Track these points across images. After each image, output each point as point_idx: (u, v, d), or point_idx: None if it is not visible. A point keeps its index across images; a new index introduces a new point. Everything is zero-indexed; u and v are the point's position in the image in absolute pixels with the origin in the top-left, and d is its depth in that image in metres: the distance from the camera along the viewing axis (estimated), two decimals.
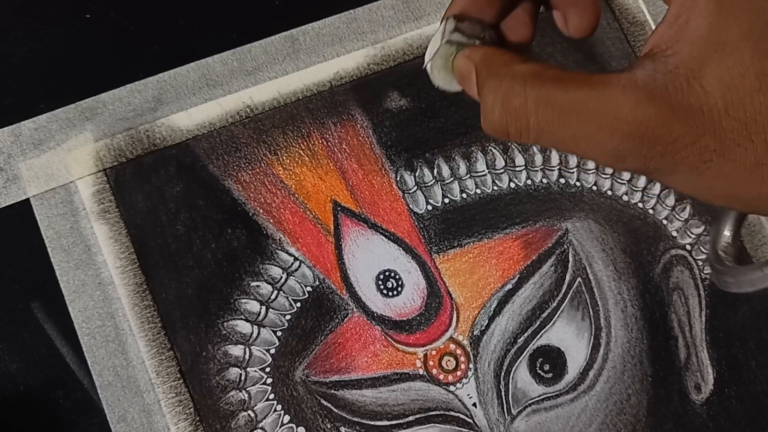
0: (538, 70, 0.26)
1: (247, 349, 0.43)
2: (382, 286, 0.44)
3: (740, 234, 0.41)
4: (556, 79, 0.26)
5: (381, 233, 0.45)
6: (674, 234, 0.48)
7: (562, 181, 0.47)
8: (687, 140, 0.24)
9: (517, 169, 0.47)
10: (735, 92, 0.23)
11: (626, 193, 0.48)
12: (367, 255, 0.45)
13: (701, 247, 0.48)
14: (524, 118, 0.26)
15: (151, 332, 0.42)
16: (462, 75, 0.30)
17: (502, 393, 0.44)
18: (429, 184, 0.46)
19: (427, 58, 0.32)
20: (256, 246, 0.44)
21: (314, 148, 0.46)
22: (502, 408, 0.44)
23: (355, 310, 0.44)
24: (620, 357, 0.45)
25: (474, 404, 0.43)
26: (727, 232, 0.45)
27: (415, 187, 0.46)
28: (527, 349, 0.44)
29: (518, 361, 0.44)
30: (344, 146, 0.46)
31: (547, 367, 0.44)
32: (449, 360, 0.44)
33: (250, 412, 0.42)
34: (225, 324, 0.43)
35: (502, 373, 0.44)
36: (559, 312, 0.45)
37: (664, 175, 0.25)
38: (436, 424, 0.43)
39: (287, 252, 0.44)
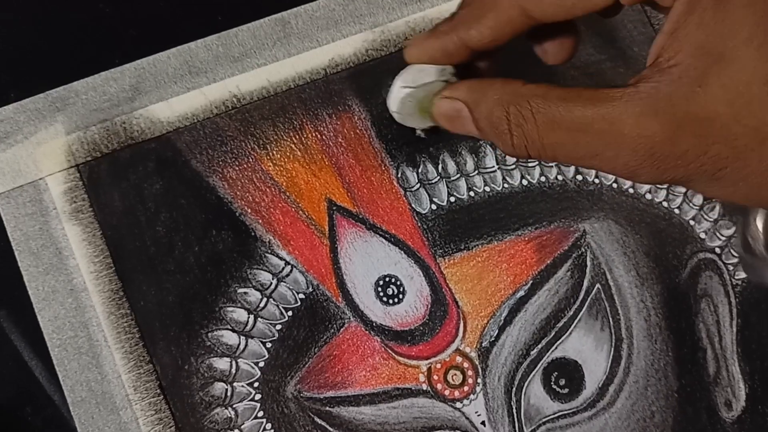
0: (543, 91, 0.28)
1: (233, 362, 0.42)
2: (381, 293, 0.44)
3: None
4: (561, 99, 0.27)
5: (380, 235, 0.45)
6: (702, 236, 0.47)
7: (579, 178, 0.47)
8: (698, 151, 0.25)
9: (530, 165, 0.47)
10: (742, 99, 0.24)
11: (649, 192, 0.47)
12: (366, 259, 0.44)
13: (732, 250, 0.47)
14: (538, 140, 0.28)
15: (128, 344, 0.42)
16: (447, 116, 0.33)
17: (514, 410, 0.43)
18: (433, 182, 0.46)
19: (396, 99, 0.35)
20: (244, 249, 0.43)
21: (307, 142, 0.45)
22: (514, 427, 0.43)
23: (352, 319, 0.43)
24: (643, 371, 0.45)
25: (483, 422, 0.43)
26: (758, 222, 0.44)
27: (418, 185, 0.46)
28: (541, 362, 0.44)
29: (531, 376, 0.44)
30: (340, 140, 0.46)
31: (563, 382, 0.44)
32: (455, 374, 0.43)
33: (236, 431, 0.41)
34: (209, 335, 0.42)
35: (514, 389, 0.44)
36: (576, 321, 0.45)
37: (681, 183, 0.27)
38: None
39: (278, 255, 0.44)
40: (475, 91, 0.31)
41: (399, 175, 0.46)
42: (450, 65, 0.33)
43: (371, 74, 0.47)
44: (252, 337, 0.43)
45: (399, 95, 0.34)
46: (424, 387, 0.43)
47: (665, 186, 0.47)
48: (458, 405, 0.43)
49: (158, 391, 0.41)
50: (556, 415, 0.44)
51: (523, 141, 0.29)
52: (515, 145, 0.29)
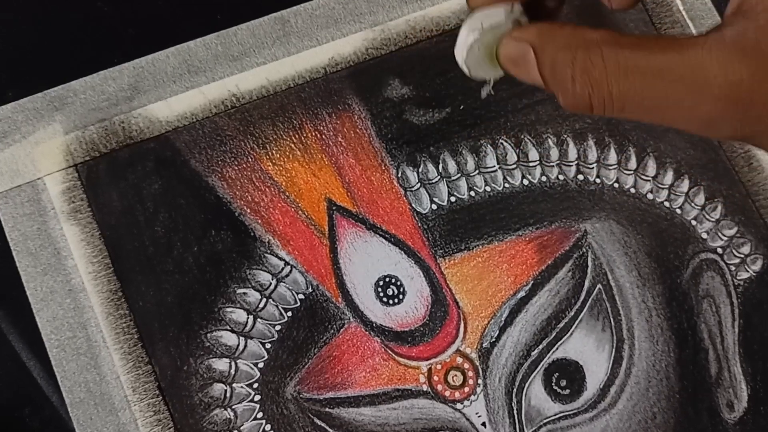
0: (614, 37, 0.26)
1: (232, 363, 0.42)
2: (381, 294, 0.44)
3: None
4: (636, 45, 0.26)
5: (380, 235, 0.45)
6: (704, 236, 0.47)
7: (581, 177, 0.47)
8: None
9: (531, 164, 0.47)
10: None
11: (651, 191, 0.47)
12: (366, 259, 0.44)
13: (734, 251, 0.47)
14: (606, 88, 0.26)
15: (127, 344, 0.42)
16: (513, 59, 0.30)
17: (515, 411, 0.43)
18: (433, 181, 0.46)
19: (464, 47, 0.31)
20: (243, 249, 0.43)
21: (307, 141, 0.45)
22: (515, 428, 0.43)
23: (352, 319, 0.43)
24: (644, 372, 0.45)
25: (483, 423, 0.43)
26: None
27: (418, 185, 0.46)
28: (542, 363, 0.44)
29: (532, 377, 0.44)
30: (340, 139, 0.46)
31: (563, 383, 0.44)
32: (456, 375, 0.43)
33: None
34: (208, 335, 0.42)
35: (515, 390, 0.43)
36: (577, 322, 0.44)
37: (761, 140, 0.25)
38: None
39: (277, 256, 0.44)
40: (543, 34, 0.29)
41: (399, 175, 0.46)
42: (518, 6, 0.30)
43: (371, 73, 0.46)
44: (251, 338, 0.42)
45: (467, 42, 0.31)
46: (425, 388, 0.43)
47: (667, 186, 0.47)
48: (459, 406, 0.43)
49: (157, 392, 0.41)
50: (557, 416, 0.43)
51: (588, 89, 0.27)
52: (578, 94, 0.27)
